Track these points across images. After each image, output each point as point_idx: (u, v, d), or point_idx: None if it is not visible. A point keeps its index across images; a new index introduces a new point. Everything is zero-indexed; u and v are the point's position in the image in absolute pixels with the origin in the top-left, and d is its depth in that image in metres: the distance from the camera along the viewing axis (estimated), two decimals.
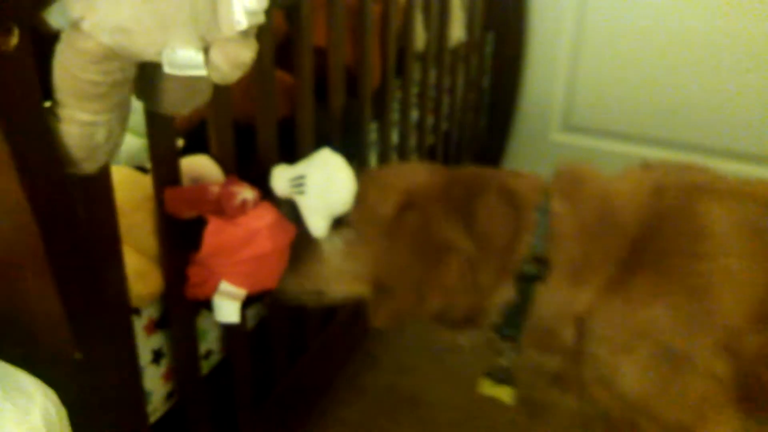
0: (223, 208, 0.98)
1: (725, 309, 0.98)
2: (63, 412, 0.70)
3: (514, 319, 1.07)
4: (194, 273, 0.99)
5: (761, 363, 0.99)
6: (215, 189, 0.99)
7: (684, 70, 2.34)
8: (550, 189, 1.07)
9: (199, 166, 1.06)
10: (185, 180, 1.01)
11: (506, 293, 1.05)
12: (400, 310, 1.06)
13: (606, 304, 1.02)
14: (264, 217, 0.97)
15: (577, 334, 1.05)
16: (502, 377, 1.16)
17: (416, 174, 1.10)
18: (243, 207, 0.97)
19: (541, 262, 1.03)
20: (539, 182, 1.09)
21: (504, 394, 1.18)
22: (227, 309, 0.99)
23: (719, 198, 1.03)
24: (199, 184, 1.01)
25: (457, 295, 1.04)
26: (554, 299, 1.04)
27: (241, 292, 0.98)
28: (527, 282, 1.04)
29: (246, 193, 0.98)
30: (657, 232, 1.01)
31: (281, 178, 1.03)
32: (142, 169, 1.10)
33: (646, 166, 1.11)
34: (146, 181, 1.01)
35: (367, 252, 1.07)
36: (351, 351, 1.77)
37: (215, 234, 0.96)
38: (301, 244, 1.07)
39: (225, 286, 0.98)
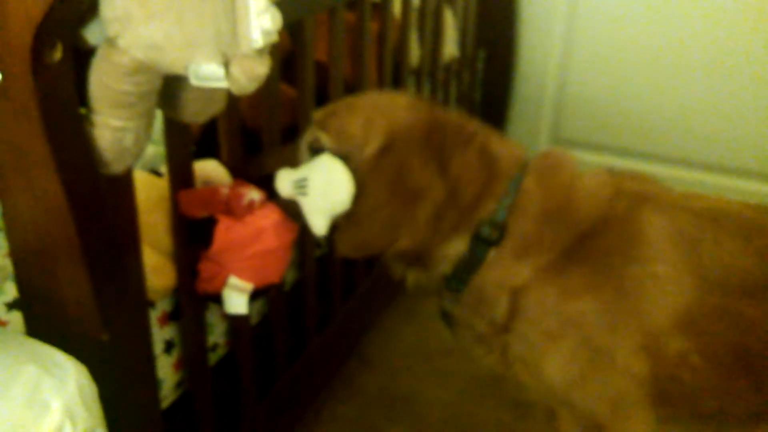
0: (231, 208, 1.06)
1: (650, 312, 1.03)
2: (94, 387, 0.78)
3: (462, 274, 1.11)
4: (205, 268, 1.07)
5: (682, 366, 1.04)
6: (224, 191, 1.07)
7: (671, 85, 2.42)
8: (529, 166, 1.11)
9: (209, 169, 1.14)
10: (196, 182, 1.10)
11: (459, 247, 1.09)
12: (366, 242, 1.09)
13: (541, 286, 1.07)
14: (269, 216, 1.06)
15: (509, 310, 1.09)
16: (446, 317, 1.21)
17: (398, 110, 1.10)
18: (250, 207, 1.06)
19: (499, 228, 1.07)
20: (520, 156, 1.13)
21: None
22: (236, 301, 1.07)
23: (661, 208, 1.08)
24: (210, 186, 1.10)
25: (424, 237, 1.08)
26: (499, 266, 1.09)
27: (249, 286, 1.06)
28: (481, 243, 1.08)
29: (253, 194, 1.07)
30: (603, 232, 1.06)
31: (285, 181, 1.10)
32: (155, 173, 1.19)
33: (611, 171, 1.17)
34: (161, 184, 1.10)
35: None
36: (347, 352, 1.85)
37: (225, 232, 1.04)
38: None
39: (233, 280, 1.06)
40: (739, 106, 2.36)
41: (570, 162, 1.15)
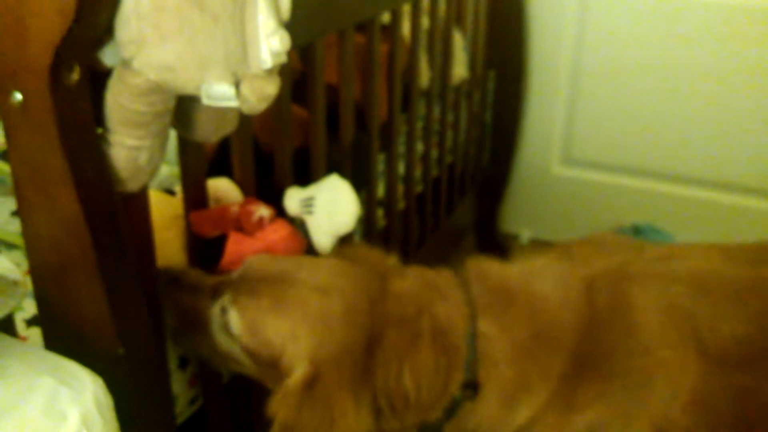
0: (242, 226, 1.09)
1: (660, 399, 1.00)
2: (110, 399, 0.80)
3: (433, 428, 1.06)
4: None
5: None
6: (235, 209, 1.10)
7: (681, 104, 2.43)
8: (475, 308, 1.03)
9: (221, 187, 1.17)
10: (209, 200, 1.12)
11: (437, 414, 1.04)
12: None
13: (548, 413, 1.02)
14: (279, 231, 1.08)
15: None
16: None
17: (332, 324, 0.97)
18: (260, 223, 1.08)
19: (471, 387, 1.01)
20: (464, 300, 1.04)
21: None
22: None
23: (644, 285, 1.03)
24: (221, 205, 1.12)
25: None
26: (485, 418, 1.03)
27: None
28: (454, 404, 1.02)
29: (262, 210, 1.09)
30: (595, 336, 1.01)
31: (293, 199, 1.12)
32: (169, 192, 1.21)
33: (559, 251, 1.10)
34: (175, 203, 1.13)
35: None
36: None
37: (236, 246, 1.07)
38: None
39: None
40: (751, 126, 2.36)
41: (505, 274, 1.07)
